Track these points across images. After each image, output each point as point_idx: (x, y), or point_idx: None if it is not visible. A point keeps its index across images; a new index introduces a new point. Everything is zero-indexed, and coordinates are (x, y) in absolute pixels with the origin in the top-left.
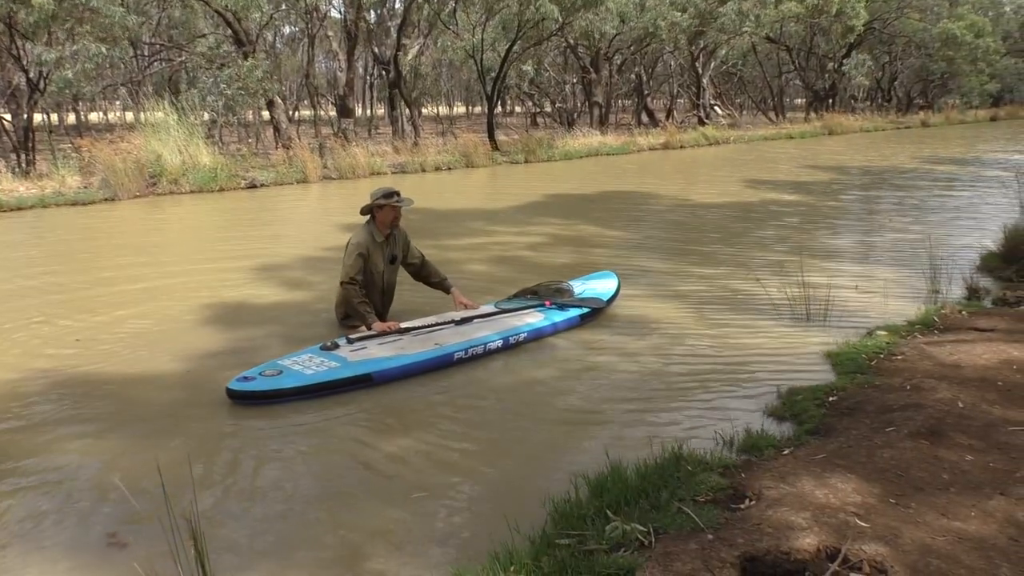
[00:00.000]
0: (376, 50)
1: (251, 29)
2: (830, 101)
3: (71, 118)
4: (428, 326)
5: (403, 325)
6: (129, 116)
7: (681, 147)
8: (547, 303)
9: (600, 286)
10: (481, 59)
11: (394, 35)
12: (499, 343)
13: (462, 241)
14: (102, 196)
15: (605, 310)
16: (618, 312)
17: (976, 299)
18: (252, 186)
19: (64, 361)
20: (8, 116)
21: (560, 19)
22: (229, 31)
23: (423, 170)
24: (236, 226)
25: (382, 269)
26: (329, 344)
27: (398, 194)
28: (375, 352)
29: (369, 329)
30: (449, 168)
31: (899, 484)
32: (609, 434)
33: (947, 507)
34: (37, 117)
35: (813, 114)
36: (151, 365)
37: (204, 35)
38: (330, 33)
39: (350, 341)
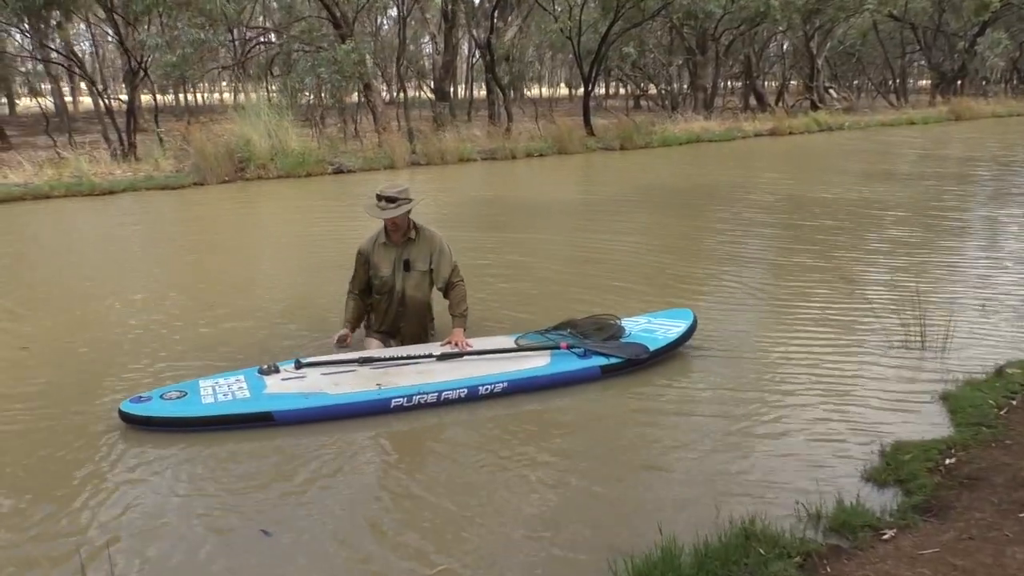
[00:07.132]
0: (474, 32)
1: (348, 12)
2: (959, 84)
3: (176, 99)
4: (400, 358)
5: (367, 354)
6: (234, 98)
7: (790, 133)
8: (563, 345)
9: (663, 329)
10: (578, 41)
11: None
12: (463, 391)
13: (534, 236)
14: (191, 180)
15: (648, 362)
16: None
17: None
18: (339, 171)
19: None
20: (124, 97)
21: None
22: (326, 13)
23: (513, 156)
24: (309, 213)
25: (386, 275)
26: (266, 368)
27: (387, 199)
28: (305, 385)
29: (334, 343)
30: (541, 155)
31: None
32: (663, 497)
33: None
34: (145, 98)
35: (939, 98)
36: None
37: (304, 17)
38: (428, 15)
39: (298, 366)
